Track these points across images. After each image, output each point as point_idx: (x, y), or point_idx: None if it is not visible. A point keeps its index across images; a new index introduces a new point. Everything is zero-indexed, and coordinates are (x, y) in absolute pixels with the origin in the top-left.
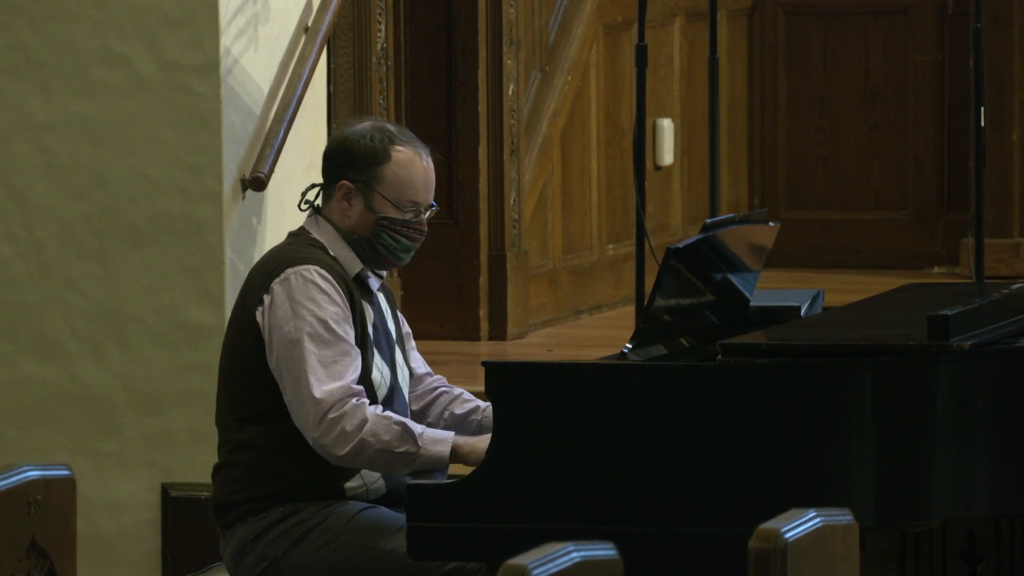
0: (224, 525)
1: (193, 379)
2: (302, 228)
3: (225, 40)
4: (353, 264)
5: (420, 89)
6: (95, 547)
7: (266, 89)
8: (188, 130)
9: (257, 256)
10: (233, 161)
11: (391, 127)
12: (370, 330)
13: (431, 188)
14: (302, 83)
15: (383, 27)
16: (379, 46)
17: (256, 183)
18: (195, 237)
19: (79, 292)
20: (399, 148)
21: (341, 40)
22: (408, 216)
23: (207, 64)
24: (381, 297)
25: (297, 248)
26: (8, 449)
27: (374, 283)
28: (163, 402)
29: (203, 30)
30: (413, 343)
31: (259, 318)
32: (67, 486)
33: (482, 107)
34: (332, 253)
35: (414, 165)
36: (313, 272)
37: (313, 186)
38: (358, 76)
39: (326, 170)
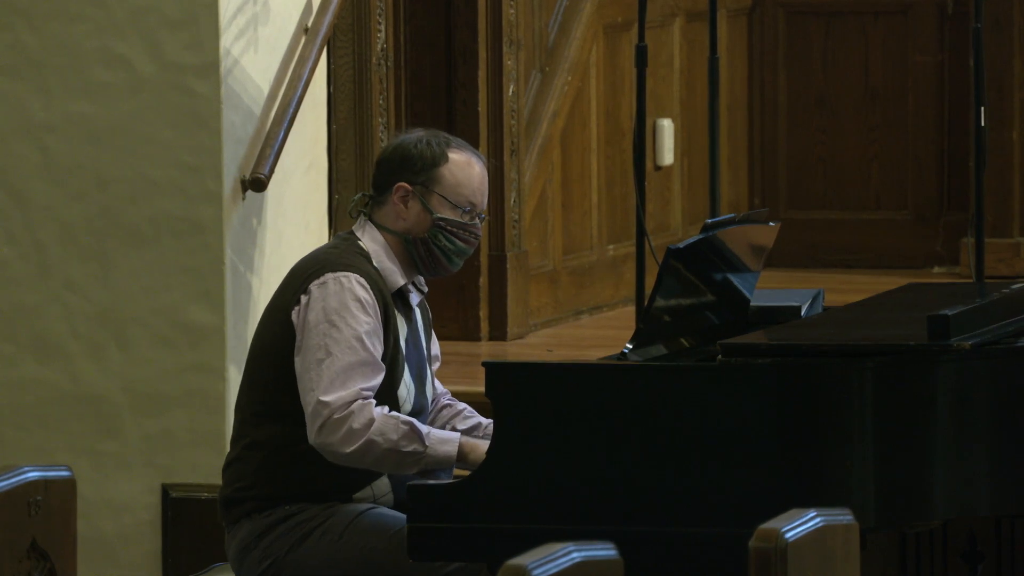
0: (230, 520)
1: (193, 380)
2: (351, 232)
3: (225, 41)
4: (396, 278)
5: (420, 90)
6: (95, 548)
7: (266, 90)
8: (188, 131)
9: (257, 257)
10: (233, 162)
11: (445, 134)
12: (402, 345)
13: (486, 192)
14: (302, 84)
15: (383, 28)
16: (379, 47)
17: (256, 184)
18: (195, 238)
19: (79, 293)
20: (455, 151)
21: (341, 41)
22: (465, 218)
23: (207, 65)
24: (419, 313)
25: (342, 253)
26: (8, 450)
27: (415, 298)
28: (163, 403)
29: (203, 31)
30: (438, 366)
31: (294, 317)
32: (67, 487)
33: (482, 108)
34: (376, 264)
35: (471, 167)
36: (352, 280)
37: (364, 195)
38: (358, 77)
39: (380, 176)
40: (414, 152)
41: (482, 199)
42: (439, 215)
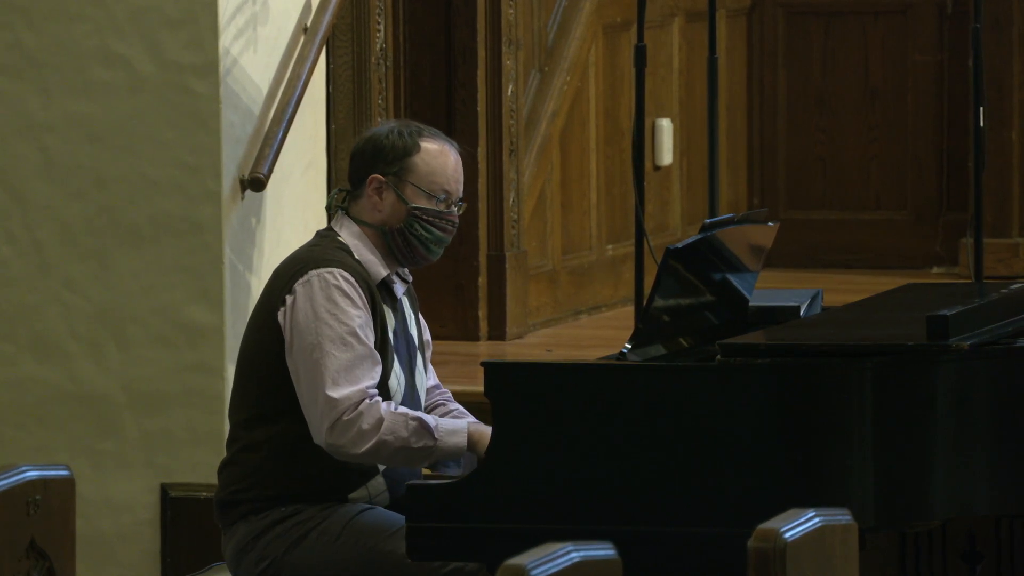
0: (226, 523)
1: (193, 379)
2: (330, 228)
3: (224, 40)
4: (379, 269)
5: (419, 89)
6: (94, 547)
7: (265, 89)
8: (187, 130)
9: (256, 256)
10: (232, 161)
11: (417, 123)
12: (390, 336)
13: (460, 180)
14: (301, 83)
15: (382, 27)
16: (378, 46)
17: (255, 183)
18: (194, 237)
19: (78, 292)
20: (428, 139)
21: (340, 40)
22: (440, 207)
23: (206, 64)
24: (405, 302)
25: (323, 250)
26: (8, 449)
27: (399, 289)
28: (162, 402)
29: (202, 30)
30: (430, 353)
31: (280, 318)
32: (66, 486)
33: (481, 107)
34: (358, 257)
35: (444, 155)
36: (337, 275)
37: (340, 190)
38: (357, 76)
39: (355, 169)
40: (386, 143)
41: (457, 187)
42: (414, 205)
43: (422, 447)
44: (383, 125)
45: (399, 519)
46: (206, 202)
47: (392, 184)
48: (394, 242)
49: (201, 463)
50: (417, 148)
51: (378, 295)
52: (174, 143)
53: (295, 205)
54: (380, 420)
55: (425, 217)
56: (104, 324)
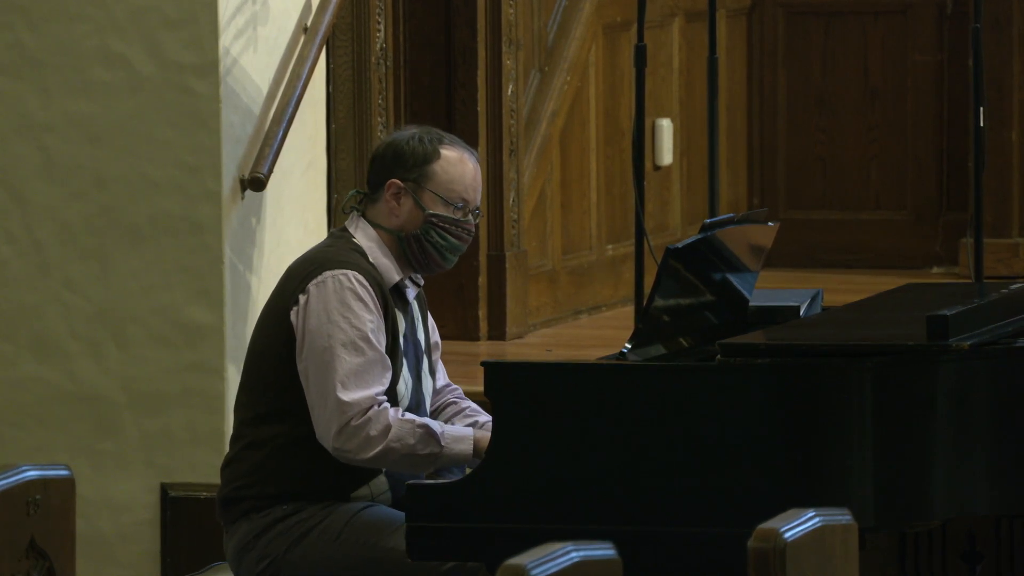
0: (228, 520)
1: (192, 379)
2: (344, 229)
3: (224, 40)
4: (392, 273)
5: (419, 89)
6: (94, 547)
7: (265, 89)
8: (187, 130)
9: (256, 256)
10: (232, 161)
11: (438, 131)
12: (400, 341)
13: (479, 189)
14: (301, 83)
15: (382, 27)
16: (378, 46)
17: (255, 183)
18: (194, 237)
19: (78, 292)
20: (448, 147)
21: (340, 40)
22: (457, 215)
23: (206, 64)
24: (415, 306)
25: (338, 251)
26: (7, 449)
27: (411, 292)
28: (162, 402)
29: (202, 30)
30: (439, 354)
31: (293, 318)
32: (66, 486)
33: (481, 107)
34: (372, 260)
35: (464, 164)
36: (351, 278)
37: (357, 191)
38: (357, 76)
39: (374, 173)
40: (406, 149)
41: (475, 195)
42: (431, 212)
43: (428, 454)
44: (404, 130)
45: (400, 516)
46: (206, 202)
47: (411, 190)
48: (409, 248)
49: (201, 463)
50: (437, 155)
51: (391, 299)
52: (174, 143)
53: (295, 205)
54: (388, 427)
55: (442, 224)
56: (104, 324)
